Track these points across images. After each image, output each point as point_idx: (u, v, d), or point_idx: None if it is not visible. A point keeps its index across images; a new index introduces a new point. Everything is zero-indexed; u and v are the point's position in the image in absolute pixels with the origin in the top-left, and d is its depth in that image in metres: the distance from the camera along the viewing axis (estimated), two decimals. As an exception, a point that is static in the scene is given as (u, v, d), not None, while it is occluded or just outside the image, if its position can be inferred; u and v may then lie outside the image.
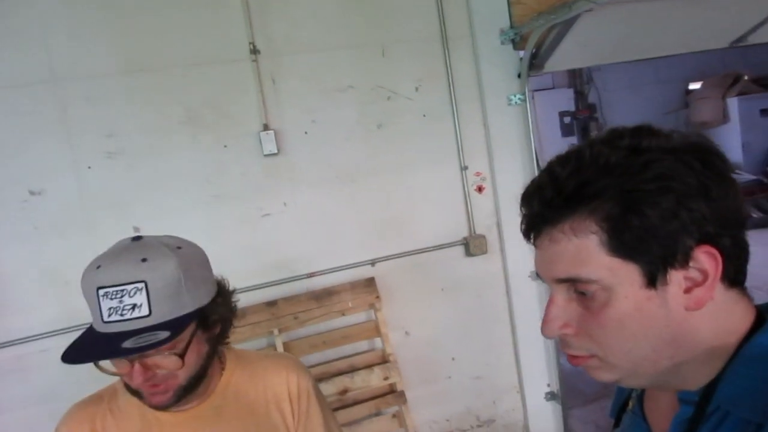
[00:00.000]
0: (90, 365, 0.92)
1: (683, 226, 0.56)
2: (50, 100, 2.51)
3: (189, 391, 1.01)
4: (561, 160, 0.62)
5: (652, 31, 2.97)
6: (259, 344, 2.74)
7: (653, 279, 0.58)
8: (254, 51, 2.70)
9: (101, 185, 2.58)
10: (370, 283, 2.83)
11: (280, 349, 2.66)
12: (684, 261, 0.58)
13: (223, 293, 1.07)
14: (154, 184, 2.64)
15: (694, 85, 9.64)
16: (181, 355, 0.95)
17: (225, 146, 2.71)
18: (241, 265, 2.71)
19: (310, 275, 2.82)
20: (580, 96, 9.59)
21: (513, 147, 3.02)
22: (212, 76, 2.68)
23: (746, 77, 9.04)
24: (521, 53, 2.97)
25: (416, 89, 2.95)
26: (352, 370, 2.75)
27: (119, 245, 0.97)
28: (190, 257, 0.99)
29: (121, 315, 0.90)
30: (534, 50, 2.86)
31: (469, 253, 3.01)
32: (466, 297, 3.06)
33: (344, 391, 2.65)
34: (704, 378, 0.62)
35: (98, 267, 0.92)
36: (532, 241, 0.65)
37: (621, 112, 9.58)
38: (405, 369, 2.89)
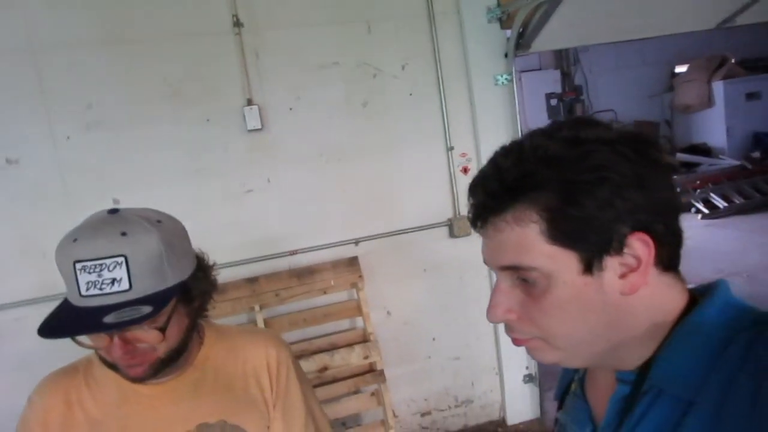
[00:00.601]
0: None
1: (618, 215, 0.59)
2: (27, 69, 2.45)
3: (167, 365, 1.00)
4: (504, 152, 0.64)
5: (638, 12, 2.95)
6: (239, 319, 2.74)
7: (590, 266, 0.60)
8: (237, 24, 2.65)
9: (80, 156, 2.54)
10: (353, 262, 2.82)
11: (261, 325, 2.66)
12: (619, 248, 0.60)
13: (203, 267, 1.06)
14: (135, 156, 2.59)
15: (681, 68, 9.64)
16: (163, 329, 0.94)
17: (207, 120, 2.66)
18: (223, 240, 2.69)
19: (292, 253, 2.81)
20: (566, 77, 9.58)
21: (499, 128, 3.01)
22: (195, 48, 2.63)
23: (732, 60, 9.04)
24: (508, 33, 2.95)
25: (403, 67, 2.92)
26: (333, 348, 2.76)
27: (95, 218, 0.94)
28: (170, 231, 0.97)
29: (100, 289, 0.88)
30: (521, 29, 2.84)
31: (452, 234, 3.01)
32: (449, 278, 3.07)
33: (324, 369, 2.66)
34: (640, 358, 0.65)
35: (75, 240, 0.89)
36: (478, 229, 0.67)
37: (606, 94, 9.59)
38: (385, 348, 2.90)
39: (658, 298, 0.63)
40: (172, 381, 1.07)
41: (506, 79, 2.99)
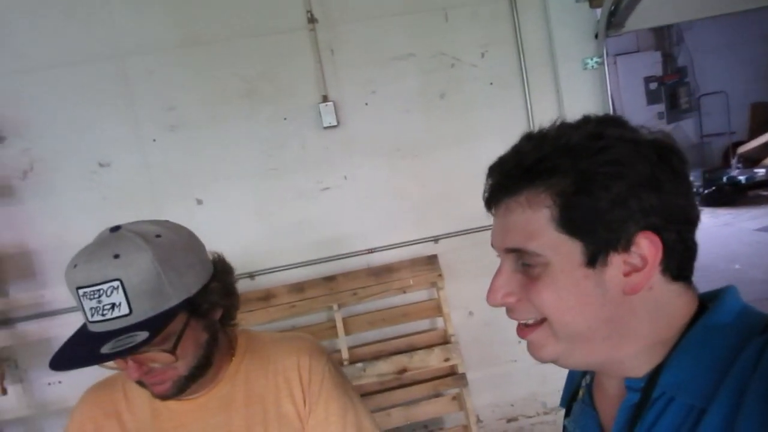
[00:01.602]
0: None
1: (630, 213, 0.58)
2: (115, 75, 2.56)
3: (192, 381, 0.96)
4: (528, 137, 0.65)
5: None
6: (318, 318, 2.73)
7: (594, 259, 0.60)
8: (312, 20, 2.62)
9: (165, 157, 2.62)
10: (432, 260, 2.72)
11: (339, 324, 2.63)
12: (626, 246, 0.60)
13: (219, 276, 1.00)
14: (215, 156, 2.65)
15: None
16: (172, 350, 0.90)
17: (285, 118, 2.66)
18: (300, 238, 2.69)
19: (370, 251, 2.76)
20: (668, 59, 8.87)
21: (589, 116, 2.78)
22: (270, 46, 2.64)
23: None
24: (598, 11, 2.72)
25: (482, 55, 2.77)
26: (411, 349, 2.67)
27: (98, 238, 0.91)
28: (168, 246, 0.91)
29: (103, 315, 0.85)
30: (612, 7, 2.60)
31: (537, 229, 2.83)
32: (534, 276, 2.89)
33: (402, 371, 2.58)
34: (648, 365, 0.64)
35: (75, 266, 0.86)
36: (492, 210, 0.68)
37: (716, 75, 8.74)
38: (467, 350, 2.78)
39: (664, 305, 0.63)
40: (202, 397, 1.03)
41: (596, 62, 2.76)
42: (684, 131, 8.78)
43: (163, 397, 0.95)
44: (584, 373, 0.80)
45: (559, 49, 2.76)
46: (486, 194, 0.68)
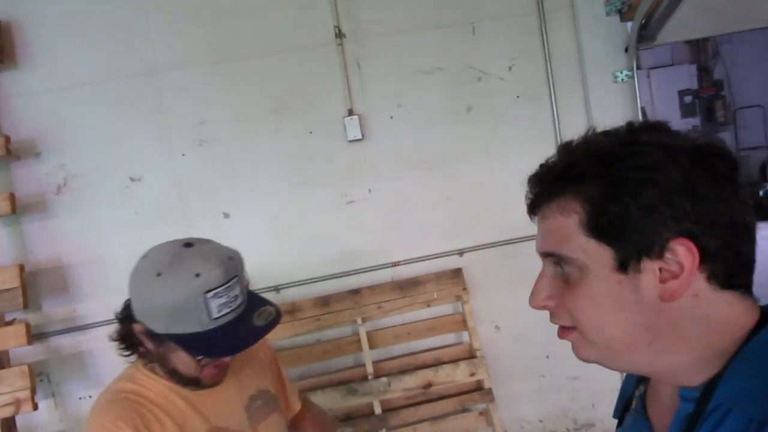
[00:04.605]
0: None
1: (662, 219, 0.58)
2: (148, 91, 2.62)
3: None
4: (564, 145, 0.67)
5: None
6: (343, 332, 2.72)
7: (626, 265, 0.60)
8: (339, 35, 2.65)
9: (194, 172, 2.67)
10: (456, 273, 2.70)
11: (364, 338, 2.63)
12: (660, 252, 0.59)
13: None
14: (243, 170, 2.68)
15: None
16: None
17: (310, 132, 2.69)
18: (325, 251, 2.70)
19: (395, 264, 2.75)
20: (704, 72, 8.69)
21: (619, 129, 2.74)
22: (297, 62, 2.67)
23: None
24: (630, 24, 2.68)
25: (509, 68, 2.76)
26: (437, 363, 2.65)
27: (196, 251, 1.09)
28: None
29: (230, 307, 1.07)
30: (643, 21, 2.56)
31: (565, 244, 2.78)
32: (562, 291, 2.83)
33: (428, 385, 2.56)
34: (702, 375, 0.62)
35: (197, 275, 1.04)
36: (533, 218, 0.70)
37: (754, 89, 8.52)
38: (494, 364, 2.74)
39: (714, 314, 0.61)
40: None
41: (627, 75, 2.72)
42: (721, 145, 8.57)
43: (215, 383, 1.19)
44: (638, 383, 0.79)
45: (588, 63, 2.73)
46: (527, 202, 0.70)
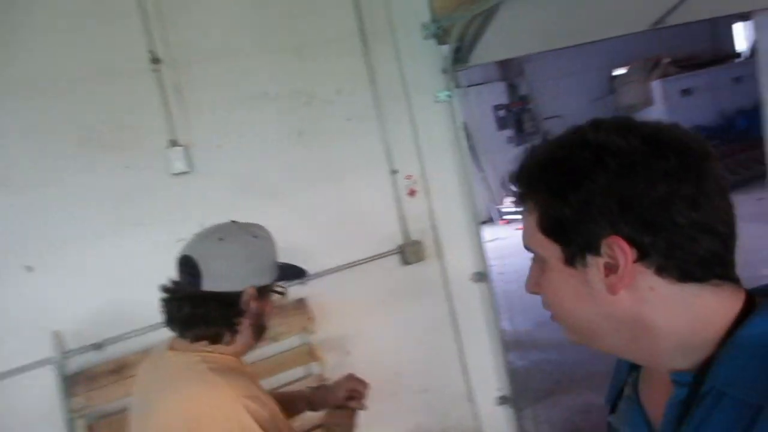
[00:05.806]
0: None
1: (594, 219, 0.61)
2: None
3: None
4: (531, 148, 0.71)
5: (574, 18, 2.90)
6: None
7: (572, 260, 0.65)
8: (155, 60, 2.44)
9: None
10: (300, 304, 2.62)
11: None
12: (597, 250, 0.63)
13: None
14: (49, 215, 2.33)
15: (619, 71, 9.89)
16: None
17: (127, 167, 2.43)
18: (155, 298, 2.44)
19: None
20: (512, 88, 9.66)
21: (444, 146, 2.88)
22: (109, 91, 2.41)
23: (666, 60, 9.33)
24: (446, 47, 2.84)
25: (337, 92, 2.76)
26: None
27: (246, 226, 1.38)
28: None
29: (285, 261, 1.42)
30: (458, 44, 2.73)
31: (405, 261, 2.84)
32: (407, 308, 2.89)
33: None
34: (688, 360, 0.64)
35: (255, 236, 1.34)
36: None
37: (553, 101, 9.69)
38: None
39: (681, 304, 0.62)
40: None
41: (447, 95, 2.87)
42: (532, 153, 9.60)
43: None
44: (631, 370, 0.80)
45: (411, 84, 2.83)
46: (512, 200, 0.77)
